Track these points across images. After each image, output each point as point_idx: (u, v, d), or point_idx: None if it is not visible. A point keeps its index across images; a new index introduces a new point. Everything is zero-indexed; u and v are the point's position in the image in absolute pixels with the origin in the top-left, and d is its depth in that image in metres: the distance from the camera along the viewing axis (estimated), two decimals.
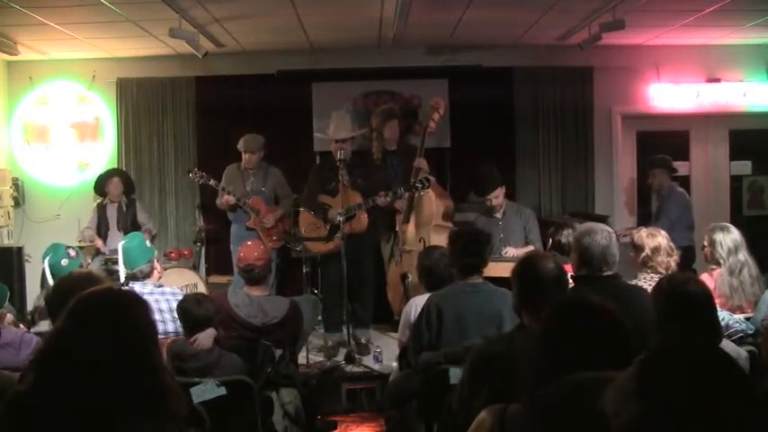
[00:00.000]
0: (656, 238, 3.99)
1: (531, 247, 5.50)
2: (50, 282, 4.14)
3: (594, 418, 1.37)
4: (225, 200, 6.28)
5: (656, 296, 2.76)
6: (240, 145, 6.37)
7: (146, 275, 4.02)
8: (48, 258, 4.27)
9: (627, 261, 4.14)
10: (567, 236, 4.58)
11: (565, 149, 7.32)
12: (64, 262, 4.26)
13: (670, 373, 1.24)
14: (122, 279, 4.04)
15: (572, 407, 1.59)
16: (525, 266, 2.84)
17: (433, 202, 5.95)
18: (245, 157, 6.38)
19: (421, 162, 6.05)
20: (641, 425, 1.23)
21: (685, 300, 2.63)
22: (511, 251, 5.55)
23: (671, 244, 4.01)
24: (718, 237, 4.27)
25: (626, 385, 1.29)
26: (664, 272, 3.84)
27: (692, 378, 1.22)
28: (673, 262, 3.95)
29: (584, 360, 1.79)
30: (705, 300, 2.67)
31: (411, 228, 6.06)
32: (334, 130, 5.91)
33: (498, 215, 5.89)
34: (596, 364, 1.78)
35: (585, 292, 2.07)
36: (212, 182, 6.30)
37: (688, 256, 6.17)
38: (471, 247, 3.72)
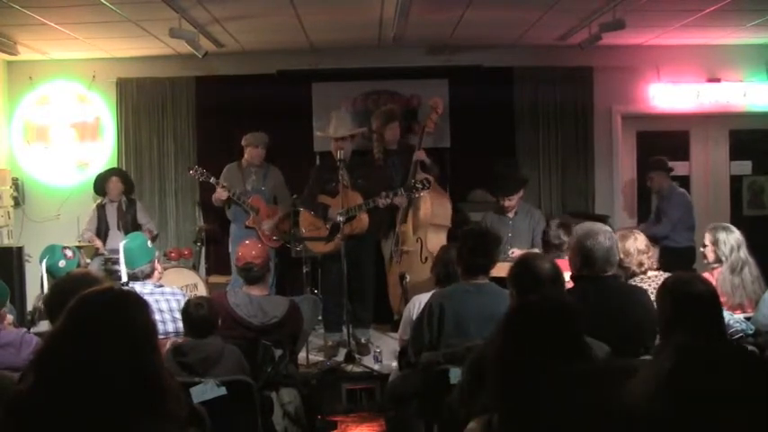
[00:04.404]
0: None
1: (536, 250, 5.50)
2: (46, 285, 4.14)
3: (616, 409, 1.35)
4: (218, 193, 6.28)
5: (661, 295, 2.75)
6: (246, 140, 6.39)
7: (147, 276, 4.03)
8: (45, 261, 4.26)
9: None
10: (554, 229, 4.65)
11: (565, 149, 7.32)
12: (61, 263, 4.26)
13: (704, 371, 1.23)
14: (124, 278, 4.04)
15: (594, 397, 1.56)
16: (521, 267, 2.84)
17: (428, 203, 5.95)
18: (251, 152, 6.39)
19: (420, 154, 6.06)
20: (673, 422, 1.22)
21: (691, 299, 2.62)
22: (517, 253, 5.54)
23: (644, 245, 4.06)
24: (721, 236, 4.30)
25: (658, 381, 1.27)
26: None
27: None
28: (646, 259, 4.02)
29: (534, 361, 1.78)
30: (711, 299, 2.67)
31: (408, 228, 6.07)
32: (334, 128, 5.92)
33: (510, 215, 5.89)
34: (549, 362, 1.77)
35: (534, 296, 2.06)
36: (212, 179, 6.31)
37: (689, 257, 6.18)
38: (479, 248, 3.70)
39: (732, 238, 4.27)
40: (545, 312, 1.88)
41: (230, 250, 6.42)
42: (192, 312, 3.56)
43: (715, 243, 4.30)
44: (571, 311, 1.89)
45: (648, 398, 1.26)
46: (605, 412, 1.43)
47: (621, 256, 3.97)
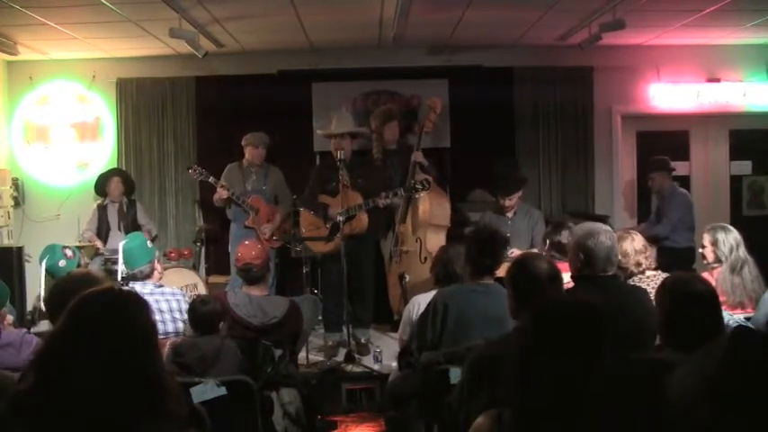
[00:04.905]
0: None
1: (535, 250, 5.50)
2: (43, 285, 4.14)
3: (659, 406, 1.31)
4: (219, 193, 6.28)
5: (660, 295, 2.75)
6: (246, 140, 6.39)
7: (146, 276, 4.03)
8: (45, 261, 4.27)
9: None
10: (566, 236, 4.59)
11: (565, 149, 7.32)
12: (61, 263, 4.27)
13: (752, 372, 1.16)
14: (120, 278, 4.04)
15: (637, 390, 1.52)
16: (518, 268, 2.83)
17: (427, 203, 5.95)
18: (251, 152, 6.39)
19: (418, 155, 6.06)
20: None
21: (691, 299, 2.62)
22: (516, 253, 5.54)
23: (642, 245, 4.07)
24: (720, 236, 4.31)
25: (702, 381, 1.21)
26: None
27: None
28: (643, 259, 4.02)
29: (561, 361, 1.78)
30: (710, 298, 2.67)
31: (408, 228, 6.07)
32: (335, 125, 5.94)
33: (509, 215, 5.91)
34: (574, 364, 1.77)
35: (561, 295, 2.06)
36: (211, 179, 6.31)
37: (688, 257, 6.18)
38: (488, 248, 3.69)
39: (731, 237, 4.29)
40: (577, 312, 1.88)
41: (230, 250, 6.42)
42: (197, 308, 3.59)
43: (714, 243, 4.31)
44: (600, 314, 1.89)
45: (690, 399, 1.23)
46: (627, 412, 1.42)
47: (619, 257, 3.97)
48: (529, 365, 1.81)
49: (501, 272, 3.95)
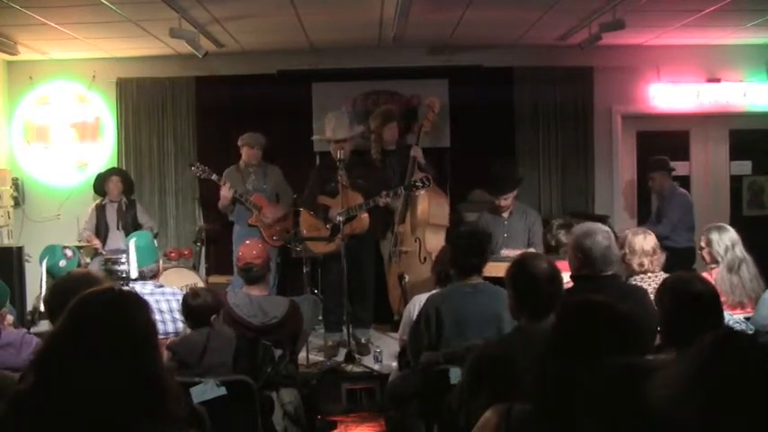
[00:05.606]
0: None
1: (533, 250, 5.51)
2: (44, 285, 4.15)
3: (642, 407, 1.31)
4: (224, 191, 6.25)
5: (661, 295, 2.75)
6: (242, 140, 6.39)
7: (154, 275, 4.05)
8: (45, 261, 4.27)
9: None
10: (555, 232, 4.65)
11: (565, 149, 7.32)
12: (62, 263, 4.28)
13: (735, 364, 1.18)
14: (134, 275, 4.04)
15: (620, 394, 1.52)
16: (518, 268, 2.83)
17: (426, 203, 5.95)
18: (247, 152, 6.39)
19: (416, 150, 6.06)
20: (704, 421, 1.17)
21: (692, 298, 2.62)
22: (515, 253, 5.54)
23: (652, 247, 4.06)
24: (715, 236, 4.31)
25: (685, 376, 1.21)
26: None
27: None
28: (647, 262, 4.01)
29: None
30: (711, 298, 2.67)
31: (406, 228, 6.07)
32: (332, 130, 5.90)
33: (505, 215, 5.91)
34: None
35: (595, 295, 2.05)
36: (214, 176, 6.31)
37: (689, 257, 6.19)
38: (474, 248, 3.71)
39: (726, 237, 4.27)
40: (614, 313, 1.88)
41: (234, 250, 6.41)
42: (188, 301, 3.60)
43: (709, 244, 4.31)
44: (635, 318, 1.90)
45: (674, 400, 1.22)
46: (622, 412, 1.42)
47: (626, 250, 3.97)
48: (564, 365, 1.80)
49: (500, 272, 3.96)
